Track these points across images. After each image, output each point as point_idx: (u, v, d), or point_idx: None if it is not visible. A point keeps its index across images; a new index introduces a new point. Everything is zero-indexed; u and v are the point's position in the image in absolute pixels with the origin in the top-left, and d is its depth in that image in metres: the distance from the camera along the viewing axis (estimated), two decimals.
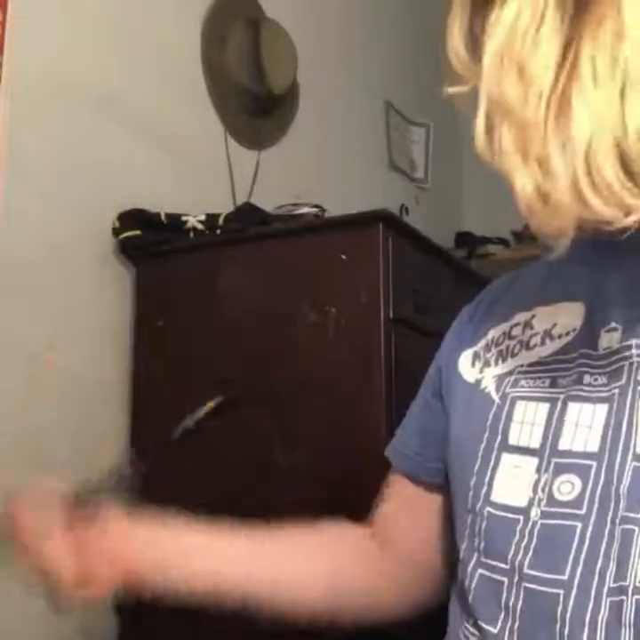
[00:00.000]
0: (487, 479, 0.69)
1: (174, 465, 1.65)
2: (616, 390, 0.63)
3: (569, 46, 0.54)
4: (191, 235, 1.72)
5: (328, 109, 2.55)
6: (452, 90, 0.61)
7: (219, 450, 1.60)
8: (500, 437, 0.69)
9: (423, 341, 1.55)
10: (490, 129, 0.58)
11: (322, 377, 1.52)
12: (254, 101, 2.18)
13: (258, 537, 0.87)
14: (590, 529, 0.60)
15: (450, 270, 1.80)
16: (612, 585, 0.58)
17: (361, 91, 2.79)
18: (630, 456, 0.60)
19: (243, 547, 0.87)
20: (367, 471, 1.47)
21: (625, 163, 0.53)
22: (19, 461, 1.49)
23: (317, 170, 2.44)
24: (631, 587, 0.57)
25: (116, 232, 1.73)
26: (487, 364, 0.75)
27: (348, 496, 1.47)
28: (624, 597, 0.57)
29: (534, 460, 0.66)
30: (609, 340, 0.66)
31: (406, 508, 0.87)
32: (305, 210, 1.76)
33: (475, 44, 0.60)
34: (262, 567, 0.86)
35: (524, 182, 0.56)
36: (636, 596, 0.57)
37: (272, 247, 1.65)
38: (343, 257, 1.53)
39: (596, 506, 0.61)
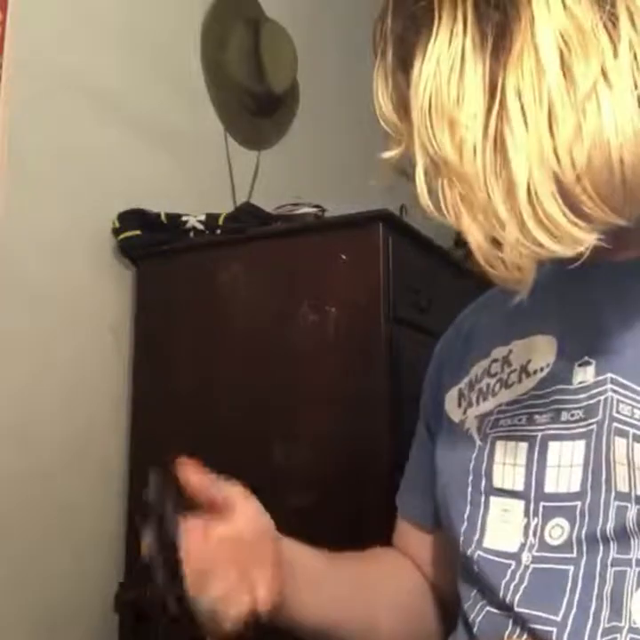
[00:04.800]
0: (479, 525, 0.68)
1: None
2: (593, 426, 0.62)
3: (494, 85, 0.53)
4: (191, 235, 1.72)
5: (328, 109, 2.55)
6: (386, 155, 0.60)
7: (219, 450, 1.60)
8: (484, 480, 0.69)
9: (423, 341, 1.55)
10: (431, 186, 0.57)
11: (322, 377, 1.52)
12: (254, 101, 2.18)
13: (354, 576, 0.80)
14: (582, 571, 0.60)
15: (450, 270, 1.80)
16: (606, 625, 0.58)
17: (361, 91, 2.79)
18: (613, 495, 0.60)
19: (346, 585, 0.79)
20: (367, 471, 1.47)
21: (566, 197, 0.52)
22: (18, 459, 1.49)
23: (317, 170, 2.44)
24: (626, 627, 0.57)
25: (116, 232, 1.73)
26: (470, 403, 0.75)
27: (349, 496, 1.47)
28: (617, 636, 0.57)
29: (520, 503, 0.66)
30: (583, 374, 0.65)
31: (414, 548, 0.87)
32: (305, 210, 1.76)
33: (403, 102, 0.59)
34: (359, 615, 0.79)
35: (475, 236, 0.55)
36: (630, 636, 0.57)
37: (272, 247, 1.64)
38: (343, 257, 1.53)
39: (584, 547, 0.60)
